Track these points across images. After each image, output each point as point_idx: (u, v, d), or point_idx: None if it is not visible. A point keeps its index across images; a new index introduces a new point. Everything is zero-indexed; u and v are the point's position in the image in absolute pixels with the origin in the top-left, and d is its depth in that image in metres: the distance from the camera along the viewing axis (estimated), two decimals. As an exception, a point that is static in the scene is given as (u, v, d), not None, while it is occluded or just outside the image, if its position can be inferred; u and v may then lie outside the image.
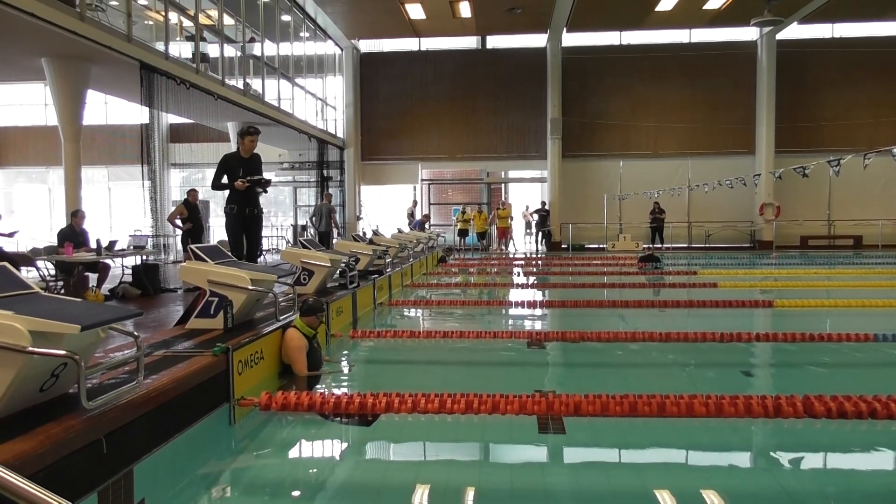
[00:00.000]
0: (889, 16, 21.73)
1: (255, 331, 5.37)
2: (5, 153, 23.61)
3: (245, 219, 7.61)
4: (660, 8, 20.05)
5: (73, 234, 9.52)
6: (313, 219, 17.41)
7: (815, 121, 22.90)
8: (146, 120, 11.48)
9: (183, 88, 11.71)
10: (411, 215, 23.00)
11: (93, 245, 9.43)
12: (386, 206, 25.56)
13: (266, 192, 7.98)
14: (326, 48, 22.22)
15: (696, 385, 5.80)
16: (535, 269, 17.15)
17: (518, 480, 3.86)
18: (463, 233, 22.66)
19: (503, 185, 25.31)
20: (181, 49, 13.13)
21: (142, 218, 11.41)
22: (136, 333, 3.65)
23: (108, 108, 22.53)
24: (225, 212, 7.63)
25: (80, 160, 11.38)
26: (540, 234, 23.34)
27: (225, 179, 7.51)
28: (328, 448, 4.64)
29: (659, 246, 21.70)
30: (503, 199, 24.68)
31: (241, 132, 7.57)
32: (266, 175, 7.83)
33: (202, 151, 20.58)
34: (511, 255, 21.26)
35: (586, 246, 23.43)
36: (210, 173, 7.75)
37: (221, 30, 14.05)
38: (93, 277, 9.56)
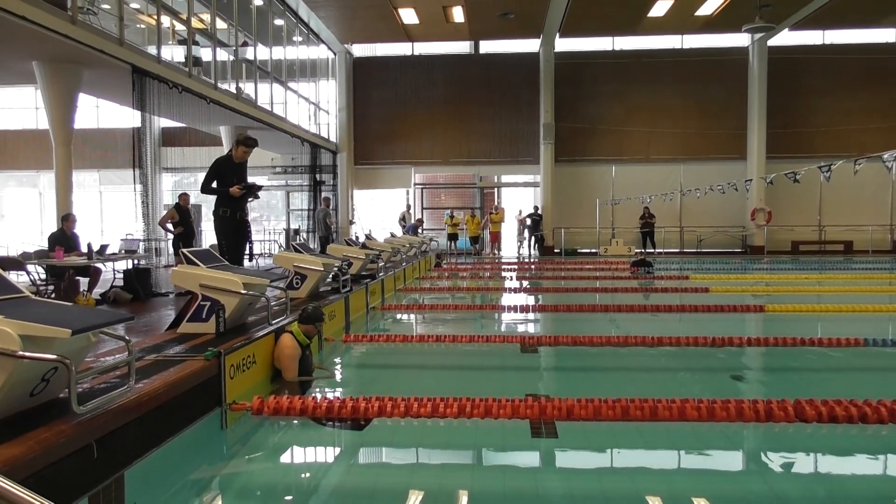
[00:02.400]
0: (879, 23, 21.92)
1: (247, 335, 5.36)
2: (-4, 157, 23.49)
3: (237, 223, 7.57)
4: (652, 14, 20.15)
5: (64, 238, 9.47)
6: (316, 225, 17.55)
7: (806, 127, 23.05)
8: (138, 124, 11.44)
9: (175, 92, 11.68)
10: (403, 219, 22.98)
11: (84, 249, 9.39)
12: (379, 211, 25.53)
13: (258, 197, 7.99)
14: (319, 52, 22.22)
15: (687, 389, 5.81)
16: (527, 274, 17.16)
17: (511, 484, 3.86)
18: (452, 237, 22.68)
19: (496, 189, 25.37)
20: (173, 53, 13.12)
21: (133, 222, 11.37)
22: (127, 338, 3.63)
23: (99, 112, 22.45)
24: (217, 215, 7.47)
25: (71, 164, 11.32)
26: (533, 238, 23.37)
27: (214, 184, 7.44)
28: (320, 452, 4.63)
29: (651, 251, 21.76)
30: (496, 203, 24.71)
31: (239, 140, 7.44)
32: (258, 180, 7.81)
33: (194, 155, 20.48)
34: (499, 259, 21.26)
35: (579, 250, 23.48)
36: (203, 177, 7.66)
37: (214, 33, 14.03)
38: (84, 281, 9.52)
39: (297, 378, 5.49)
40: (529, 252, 23.37)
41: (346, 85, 23.76)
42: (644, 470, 4.15)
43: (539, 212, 23.37)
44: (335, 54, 23.36)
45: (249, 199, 7.74)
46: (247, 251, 8.38)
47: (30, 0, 8.32)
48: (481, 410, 4.28)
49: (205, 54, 14.23)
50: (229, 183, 7.24)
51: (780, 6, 18.73)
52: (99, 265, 9.57)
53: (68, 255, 9.03)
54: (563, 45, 23.52)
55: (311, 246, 15.39)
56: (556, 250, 23.36)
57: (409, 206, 24.04)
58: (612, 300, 11.77)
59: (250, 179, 7.62)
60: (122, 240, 11.15)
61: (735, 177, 19.66)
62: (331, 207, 19.17)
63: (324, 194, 20.95)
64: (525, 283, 14.99)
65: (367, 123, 24.24)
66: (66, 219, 9.84)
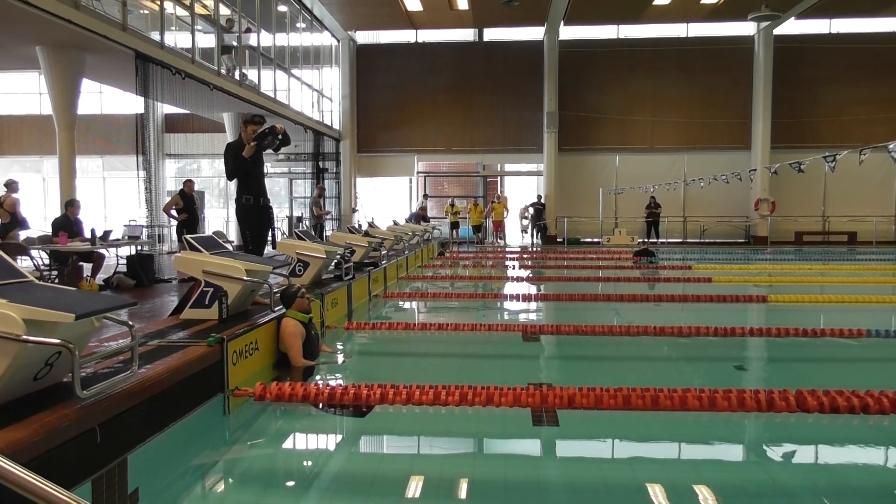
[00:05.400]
0: (886, 12, 21.73)
1: (249, 321, 5.36)
2: (0, 142, 23.49)
3: (260, 210, 7.39)
4: (657, 2, 20.02)
5: (67, 224, 9.48)
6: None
7: (812, 116, 22.92)
8: (141, 110, 11.42)
9: (178, 78, 11.65)
10: (423, 208, 22.55)
11: (87, 235, 9.40)
12: (382, 198, 25.49)
13: (287, 141, 7.24)
14: (323, 39, 22.11)
15: (689, 379, 5.82)
16: (530, 263, 17.16)
17: (512, 472, 3.87)
18: (454, 225, 22.63)
19: (499, 178, 25.31)
20: (177, 38, 13.05)
21: (137, 208, 11.38)
22: (130, 323, 3.64)
23: (102, 98, 22.40)
24: (240, 203, 7.17)
25: (74, 150, 11.32)
26: (535, 227, 23.34)
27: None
28: (322, 439, 4.65)
29: (654, 240, 21.72)
30: (499, 192, 24.67)
31: (246, 119, 7.12)
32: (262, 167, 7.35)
33: (197, 142, 20.51)
34: (501, 248, 21.24)
35: (582, 240, 23.46)
36: (206, 164, 7.48)
37: (217, 19, 13.97)
38: (87, 267, 9.54)
39: (303, 363, 5.49)
40: (532, 241, 23.35)
41: (349, 72, 23.66)
42: (645, 459, 4.16)
43: (542, 201, 23.33)
44: (338, 41, 23.25)
45: (278, 142, 7.07)
46: (269, 237, 8.09)
47: (32, -16, 8.30)
48: (483, 398, 4.29)
49: (208, 40, 14.15)
50: (245, 166, 7.01)
51: (786, -5, 18.60)
52: (102, 251, 9.59)
53: (72, 241, 9.05)
54: (568, 33, 23.37)
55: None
56: (559, 239, 23.34)
57: (426, 195, 23.83)
58: (615, 289, 11.76)
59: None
60: (125, 226, 11.17)
61: (739, 166, 19.55)
62: (323, 196, 19.01)
63: (321, 183, 20.82)
64: (527, 272, 14.99)
65: (370, 111, 24.17)
66: (71, 204, 9.85)
